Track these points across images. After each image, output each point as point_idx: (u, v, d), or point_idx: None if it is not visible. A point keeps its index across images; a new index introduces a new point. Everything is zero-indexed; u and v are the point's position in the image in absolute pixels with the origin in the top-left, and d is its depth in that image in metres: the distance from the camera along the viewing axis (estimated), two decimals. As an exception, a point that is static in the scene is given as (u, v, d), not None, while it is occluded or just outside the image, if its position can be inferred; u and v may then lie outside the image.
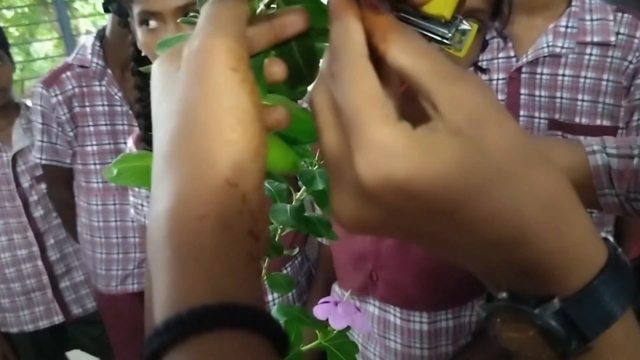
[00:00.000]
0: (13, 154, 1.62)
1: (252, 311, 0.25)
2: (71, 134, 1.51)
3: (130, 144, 1.22)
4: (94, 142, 1.51)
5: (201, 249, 0.26)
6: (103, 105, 1.50)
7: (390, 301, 1.01)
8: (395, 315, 1.01)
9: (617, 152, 0.69)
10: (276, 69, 0.32)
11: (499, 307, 0.28)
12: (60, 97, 1.48)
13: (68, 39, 2.78)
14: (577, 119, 1.33)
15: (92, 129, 1.50)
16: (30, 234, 1.64)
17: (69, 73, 1.50)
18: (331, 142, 0.28)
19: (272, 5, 0.35)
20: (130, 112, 1.49)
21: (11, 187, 1.62)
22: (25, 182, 1.64)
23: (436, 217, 0.26)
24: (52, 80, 1.50)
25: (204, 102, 0.26)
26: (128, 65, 1.40)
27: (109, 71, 1.50)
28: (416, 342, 1.01)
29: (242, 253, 0.27)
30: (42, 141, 1.51)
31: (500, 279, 0.29)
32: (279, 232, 0.53)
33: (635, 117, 1.31)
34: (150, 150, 1.00)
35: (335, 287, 1.12)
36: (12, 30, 3.35)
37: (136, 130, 1.22)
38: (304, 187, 0.51)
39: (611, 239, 0.30)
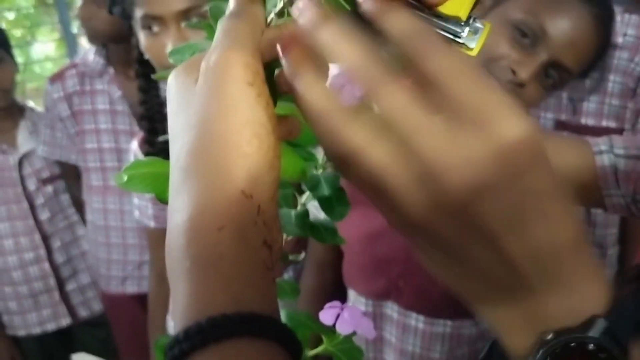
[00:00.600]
0: (19, 157, 1.62)
1: (269, 320, 0.26)
2: (72, 131, 1.54)
3: (134, 147, 1.22)
4: (94, 140, 1.53)
5: (220, 260, 0.27)
6: (104, 104, 1.52)
7: (415, 308, 0.99)
8: (417, 320, 1.00)
9: (624, 153, 0.69)
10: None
11: (556, 345, 0.28)
12: (61, 94, 1.52)
13: (69, 40, 2.77)
14: (583, 120, 1.33)
15: (92, 127, 1.53)
16: (37, 236, 1.64)
17: (73, 71, 1.54)
18: (425, 115, 0.26)
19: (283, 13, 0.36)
20: (130, 111, 1.50)
21: (18, 189, 1.62)
22: (32, 185, 1.64)
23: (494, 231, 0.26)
24: (57, 77, 1.55)
25: (221, 116, 0.27)
26: (129, 64, 1.44)
27: (111, 70, 1.51)
28: (437, 346, 1.00)
29: (258, 263, 0.28)
30: (45, 136, 1.57)
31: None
32: (284, 237, 0.53)
33: (642, 119, 1.31)
34: (154, 152, 1.01)
35: (350, 292, 1.09)
36: (13, 31, 3.34)
37: (140, 132, 1.23)
38: (308, 192, 0.51)
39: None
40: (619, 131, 1.33)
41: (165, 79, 0.36)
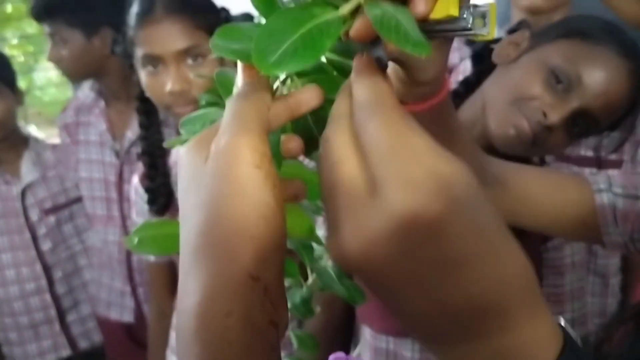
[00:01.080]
0: (22, 187, 1.63)
1: None
2: (73, 157, 1.63)
3: (135, 181, 1.23)
4: (86, 170, 1.62)
5: (229, 346, 0.27)
6: (95, 135, 1.60)
7: None
8: None
9: (622, 192, 0.70)
10: (293, 145, 0.34)
11: None
12: (62, 124, 1.65)
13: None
14: (582, 152, 1.34)
15: (85, 157, 1.62)
16: (38, 266, 1.64)
17: (74, 103, 1.65)
18: (351, 173, 0.28)
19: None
20: (111, 144, 1.58)
21: (20, 220, 1.62)
22: (35, 215, 1.64)
23: (442, 265, 0.26)
24: (63, 108, 1.68)
25: (229, 199, 0.28)
26: (119, 98, 1.56)
27: (101, 103, 1.60)
28: None
29: (265, 345, 0.28)
30: (60, 159, 1.67)
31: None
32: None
33: (640, 151, 1.33)
34: (154, 187, 1.01)
35: (366, 330, 1.07)
36: (16, 57, 3.37)
37: (140, 167, 1.24)
38: (314, 275, 0.53)
39: (562, 322, 0.30)
40: (619, 163, 1.34)
41: (173, 146, 0.36)
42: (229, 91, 0.37)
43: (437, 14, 0.33)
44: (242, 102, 0.31)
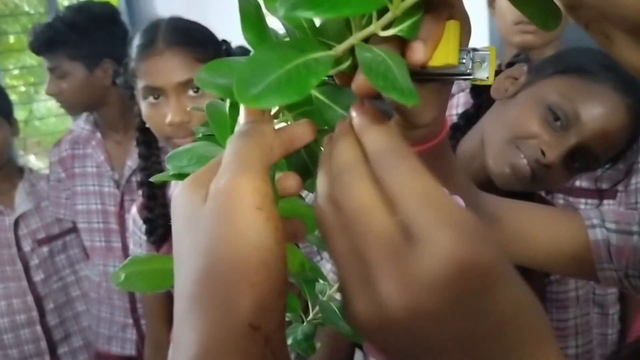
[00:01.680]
0: (15, 218, 1.63)
1: None
2: (68, 191, 1.63)
3: (133, 212, 1.23)
4: (83, 202, 1.62)
5: None
6: (92, 167, 1.61)
7: None
8: None
9: (616, 228, 0.70)
10: (292, 183, 0.32)
11: None
12: (56, 158, 1.65)
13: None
14: (577, 183, 1.34)
15: (82, 188, 1.62)
16: (29, 298, 1.62)
17: (68, 137, 1.66)
18: (383, 222, 0.26)
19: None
20: (110, 174, 1.59)
21: (12, 250, 1.61)
22: (27, 246, 1.64)
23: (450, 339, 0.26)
24: (57, 143, 1.69)
25: (228, 243, 0.26)
26: (116, 129, 1.58)
27: (98, 134, 1.61)
28: None
29: None
30: (50, 195, 1.67)
31: None
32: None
33: (634, 181, 1.32)
34: (153, 218, 1.00)
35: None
36: (17, 87, 3.40)
37: (140, 198, 1.24)
38: (317, 307, 0.52)
39: None
40: (613, 193, 1.34)
41: (162, 182, 0.36)
42: (220, 123, 0.36)
43: (436, 61, 0.32)
44: (244, 141, 0.29)
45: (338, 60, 0.32)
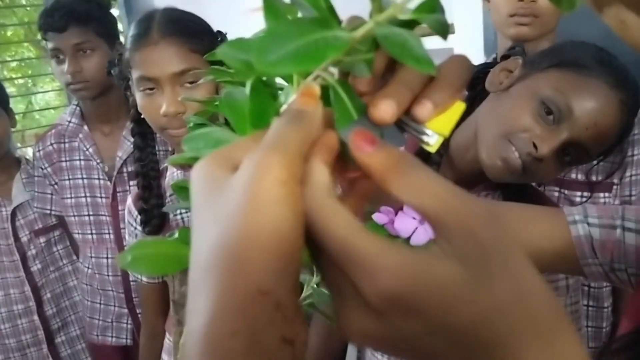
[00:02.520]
0: (12, 209, 1.63)
1: None
2: (56, 186, 1.63)
3: (128, 202, 1.23)
4: (72, 195, 1.61)
5: None
6: (79, 160, 1.61)
7: None
8: None
9: (599, 222, 0.70)
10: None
11: None
12: (41, 153, 1.63)
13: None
14: (573, 175, 1.34)
15: (70, 182, 1.61)
16: (27, 288, 1.63)
17: (53, 131, 1.64)
18: (326, 268, 0.29)
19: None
20: (100, 166, 1.59)
21: (9, 241, 1.62)
22: (24, 237, 1.64)
23: (433, 334, 0.27)
24: (41, 137, 1.66)
25: (246, 211, 0.27)
26: (103, 121, 1.59)
27: (85, 127, 1.60)
28: None
29: None
30: (35, 191, 1.66)
31: None
32: None
33: (628, 174, 1.33)
34: (148, 209, 1.00)
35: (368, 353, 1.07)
36: (15, 80, 3.40)
37: (135, 189, 1.24)
38: (308, 291, 0.53)
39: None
40: (609, 185, 1.34)
41: (178, 164, 0.36)
42: (238, 111, 0.37)
43: (432, 126, 0.34)
44: (290, 124, 0.30)
45: (359, 51, 0.32)
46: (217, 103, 0.44)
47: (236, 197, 0.28)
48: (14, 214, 1.64)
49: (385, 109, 0.31)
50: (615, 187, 1.35)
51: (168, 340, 1.18)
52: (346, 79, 0.34)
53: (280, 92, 0.37)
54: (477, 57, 1.04)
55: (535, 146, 0.81)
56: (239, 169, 0.29)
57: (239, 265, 0.26)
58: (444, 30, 0.33)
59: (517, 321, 0.27)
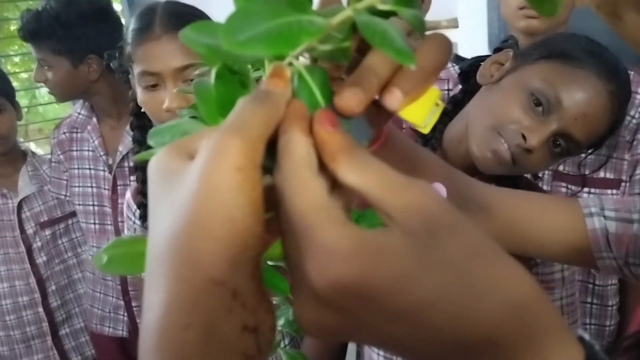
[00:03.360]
0: (18, 201, 1.63)
1: None
2: (66, 173, 1.66)
3: (127, 197, 1.22)
4: (80, 184, 1.63)
5: None
6: (88, 150, 1.63)
7: None
8: None
9: (615, 216, 0.69)
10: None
11: None
12: (55, 140, 1.67)
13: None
14: (581, 171, 1.34)
15: (79, 171, 1.64)
16: (32, 280, 1.64)
17: (67, 120, 1.68)
18: (288, 248, 0.28)
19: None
20: (103, 158, 1.60)
21: (15, 233, 1.62)
22: (30, 229, 1.65)
23: (395, 320, 0.25)
24: (57, 125, 1.72)
25: (198, 198, 0.26)
26: (110, 114, 1.59)
27: (94, 119, 1.62)
28: None
29: (236, 356, 0.26)
30: (52, 176, 1.69)
31: None
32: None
33: (638, 171, 1.32)
34: (145, 201, 0.99)
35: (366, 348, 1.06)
36: (20, 74, 3.40)
37: (134, 183, 1.23)
38: None
39: (586, 336, 0.29)
40: (617, 182, 1.34)
41: (143, 160, 0.35)
42: (206, 100, 0.35)
43: (405, 115, 0.33)
44: (252, 105, 0.28)
45: (337, 39, 0.31)
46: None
47: (189, 185, 0.26)
48: (20, 207, 1.64)
49: (350, 97, 0.29)
50: (623, 184, 1.34)
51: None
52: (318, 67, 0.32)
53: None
54: (482, 52, 1.04)
55: (524, 137, 0.81)
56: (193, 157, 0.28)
57: (191, 255, 0.25)
58: (420, 25, 0.31)
59: (476, 283, 0.25)
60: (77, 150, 1.64)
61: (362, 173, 0.27)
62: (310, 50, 0.30)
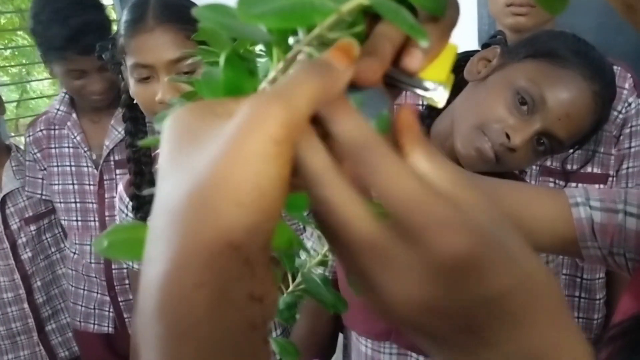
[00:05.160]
0: (2, 196, 1.62)
1: None
2: (44, 172, 1.63)
3: (119, 189, 1.22)
4: (60, 182, 1.61)
5: (197, 324, 0.23)
6: (68, 147, 1.60)
7: (415, 348, 0.98)
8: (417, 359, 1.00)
9: (600, 206, 0.69)
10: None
11: None
12: (31, 138, 1.63)
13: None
14: (568, 166, 1.34)
15: (58, 169, 1.61)
16: (17, 276, 1.63)
17: (43, 117, 1.65)
18: (370, 229, 0.27)
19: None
20: (87, 154, 1.59)
21: (-1, 229, 1.61)
22: (14, 224, 1.64)
23: (485, 307, 0.27)
24: (31, 122, 1.67)
25: (228, 162, 0.25)
26: (93, 109, 1.57)
27: (73, 115, 1.61)
28: None
29: (242, 324, 0.25)
30: (26, 175, 1.66)
31: None
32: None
33: (625, 166, 1.33)
34: (141, 196, 0.99)
35: (353, 333, 1.08)
36: (9, 68, 3.38)
37: (126, 176, 1.23)
38: (299, 278, 0.53)
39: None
40: (605, 177, 1.34)
41: (150, 159, 0.34)
42: (214, 89, 0.34)
43: (427, 75, 0.32)
44: (309, 76, 0.26)
45: (346, 27, 0.31)
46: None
47: (219, 147, 0.25)
48: (3, 202, 1.63)
49: (366, 66, 0.29)
50: (610, 178, 1.34)
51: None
52: None
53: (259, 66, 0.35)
54: (471, 48, 1.05)
55: (508, 136, 0.82)
56: (226, 119, 0.27)
57: (211, 216, 0.24)
58: (436, 6, 0.31)
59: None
60: (55, 148, 1.62)
61: (436, 164, 0.28)
62: (320, 37, 0.30)
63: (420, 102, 1.24)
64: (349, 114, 0.27)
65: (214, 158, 0.25)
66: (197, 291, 0.24)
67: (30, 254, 1.65)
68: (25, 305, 1.64)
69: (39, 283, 1.67)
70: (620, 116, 1.28)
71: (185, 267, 0.24)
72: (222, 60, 0.33)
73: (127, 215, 1.20)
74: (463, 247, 0.25)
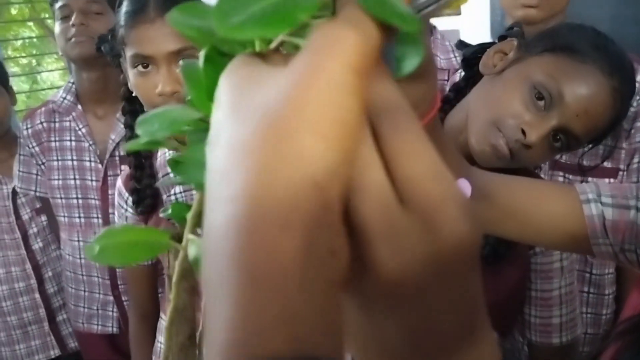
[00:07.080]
0: (13, 186, 1.63)
1: None
2: (43, 166, 1.58)
3: (119, 184, 1.21)
4: (60, 177, 1.55)
5: (282, 276, 0.20)
6: (70, 140, 1.55)
7: None
8: None
9: (612, 202, 0.69)
10: None
11: None
12: (29, 131, 1.57)
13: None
14: (578, 160, 1.33)
15: (59, 163, 1.56)
16: (28, 266, 1.64)
17: (43, 109, 1.59)
18: (380, 181, 0.24)
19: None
20: (94, 148, 1.54)
21: (10, 219, 1.62)
22: (25, 215, 1.65)
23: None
24: (29, 114, 1.61)
25: (305, 93, 0.22)
26: (98, 102, 1.53)
27: (79, 107, 1.56)
28: None
29: (323, 281, 0.21)
30: (19, 170, 1.60)
31: None
32: None
33: (636, 160, 1.31)
34: (140, 189, 0.98)
35: None
36: (19, 59, 3.39)
37: (125, 170, 1.22)
38: None
39: None
40: (615, 171, 1.33)
41: (149, 151, 0.33)
42: (196, 84, 0.33)
43: None
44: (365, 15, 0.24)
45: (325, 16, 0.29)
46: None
47: (293, 78, 0.22)
48: (15, 192, 1.63)
49: None
50: (621, 172, 1.33)
51: (163, 322, 1.18)
52: None
53: None
54: (484, 40, 1.03)
55: (524, 133, 0.80)
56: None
57: (294, 148, 0.21)
58: None
59: None
60: (56, 141, 1.57)
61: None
62: (302, 23, 0.29)
63: (446, 78, 1.22)
64: (384, 78, 0.25)
65: (288, 89, 0.22)
66: (283, 232, 0.20)
67: (41, 244, 1.66)
68: (37, 295, 1.65)
69: (50, 273, 1.68)
70: (632, 109, 1.27)
71: (269, 204, 0.21)
72: (201, 58, 0.31)
73: (126, 210, 1.17)
74: (466, 234, 0.23)
